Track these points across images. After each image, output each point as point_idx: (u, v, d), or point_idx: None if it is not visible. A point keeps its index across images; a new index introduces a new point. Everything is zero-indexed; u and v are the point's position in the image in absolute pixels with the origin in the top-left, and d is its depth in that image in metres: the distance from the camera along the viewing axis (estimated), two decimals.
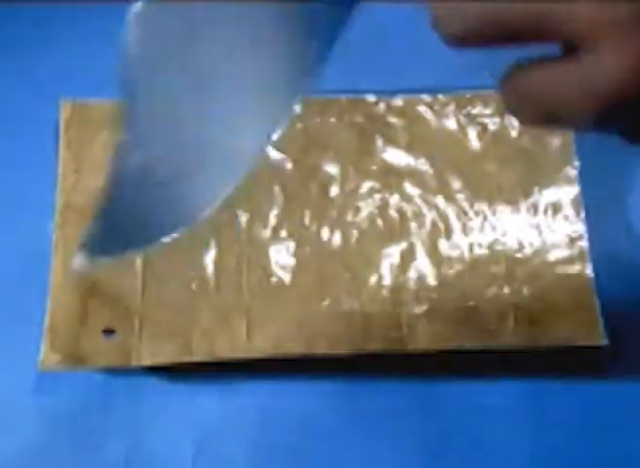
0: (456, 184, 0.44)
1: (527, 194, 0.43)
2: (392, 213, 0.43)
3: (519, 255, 0.42)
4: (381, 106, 0.46)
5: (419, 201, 0.44)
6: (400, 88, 0.46)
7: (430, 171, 0.44)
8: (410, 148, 0.45)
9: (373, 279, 0.42)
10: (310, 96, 0.45)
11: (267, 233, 0.43)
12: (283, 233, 0.43)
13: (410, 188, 0.44)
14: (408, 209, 0.43)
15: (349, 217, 0.43)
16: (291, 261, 0.42)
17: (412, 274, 0.42)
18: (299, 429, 0.39)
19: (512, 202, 0.43)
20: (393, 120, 0.46)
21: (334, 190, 0.44)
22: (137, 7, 0.26)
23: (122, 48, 0.27)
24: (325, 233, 0.43)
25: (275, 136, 0.27)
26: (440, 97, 0.46)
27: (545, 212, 0.43)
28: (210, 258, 0.42)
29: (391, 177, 0.44)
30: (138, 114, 0.28)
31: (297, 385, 0.40)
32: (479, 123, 0.45)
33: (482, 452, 0.39)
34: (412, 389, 0.40)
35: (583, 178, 0.43)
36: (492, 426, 0.39)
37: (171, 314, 0.41)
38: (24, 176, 0.46)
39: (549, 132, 0.44)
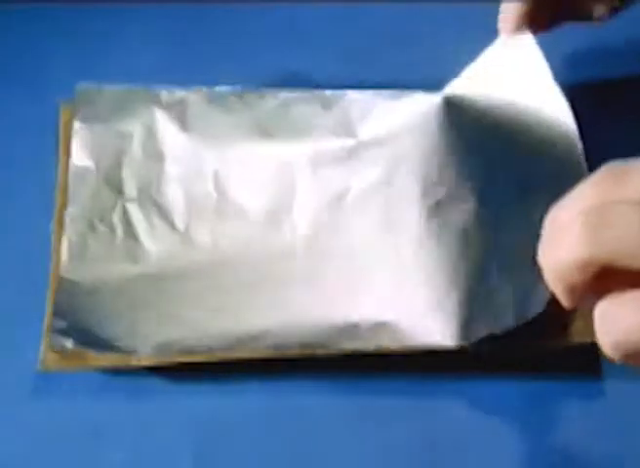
0: None
1: None
2: None
3: None
4: None
5: None
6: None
7: None
8: None
9: None
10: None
11: None
12: None
13: None
14: None
15: None
16: None
17: None
18: (299, 429, 0.39)
19: None
20: None
21: None
22: None
23: None
24: None
25: None
26: None
27: None
28: None
29: None
30: None
31: (297, 385, 0.40)
32: None
33: (483, 452, 0.39)
34: (412, 389, 0.40)
35: None
36: (492, 426, 0.39)
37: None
38: (24, 177, 0.46)
39: None
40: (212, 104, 0.47)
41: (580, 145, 0.44)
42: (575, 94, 0.46)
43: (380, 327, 0.39)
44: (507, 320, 0.39)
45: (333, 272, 0.42)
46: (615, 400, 0.40)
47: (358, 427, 0.39)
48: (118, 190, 0.44)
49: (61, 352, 0.39)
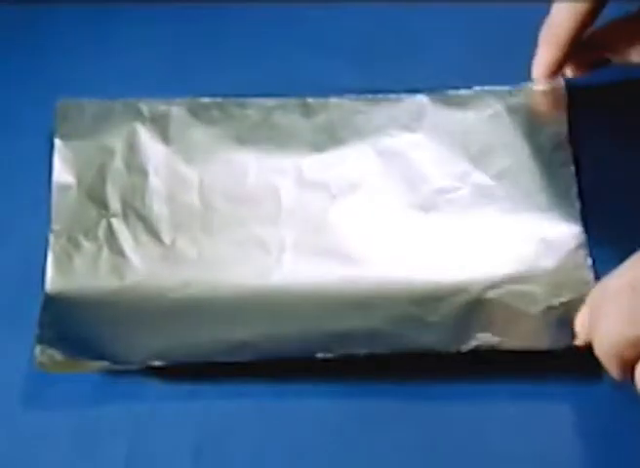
0: None
1: None
2: None
3: None
4: None
5: None
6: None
7: None
8: None
9: None
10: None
11: None
12: None
13: None
14: None
15: None
16: None
17: None
18: (299, 429, 0.39)
19: None
20: None
21: None
22: None
23: None
24: None
25: None
26: None
27: None
28: None
29: None
30: None
31: (297, 386, 0.40)
32: None
33: (483, 453, 0.39)
34: (413, 389, 0.40)
35: None
36: (492, 426, 0.39)
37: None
38: (22, 179, 0.46)
39: None
40: (193, 116, 0.47)
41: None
42: (575, 93, 0.46)
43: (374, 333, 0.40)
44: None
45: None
46: (615, 400, 0.39)
47: (356, 429, 0.39)
48: (102, 205, 0.44)
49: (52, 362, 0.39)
